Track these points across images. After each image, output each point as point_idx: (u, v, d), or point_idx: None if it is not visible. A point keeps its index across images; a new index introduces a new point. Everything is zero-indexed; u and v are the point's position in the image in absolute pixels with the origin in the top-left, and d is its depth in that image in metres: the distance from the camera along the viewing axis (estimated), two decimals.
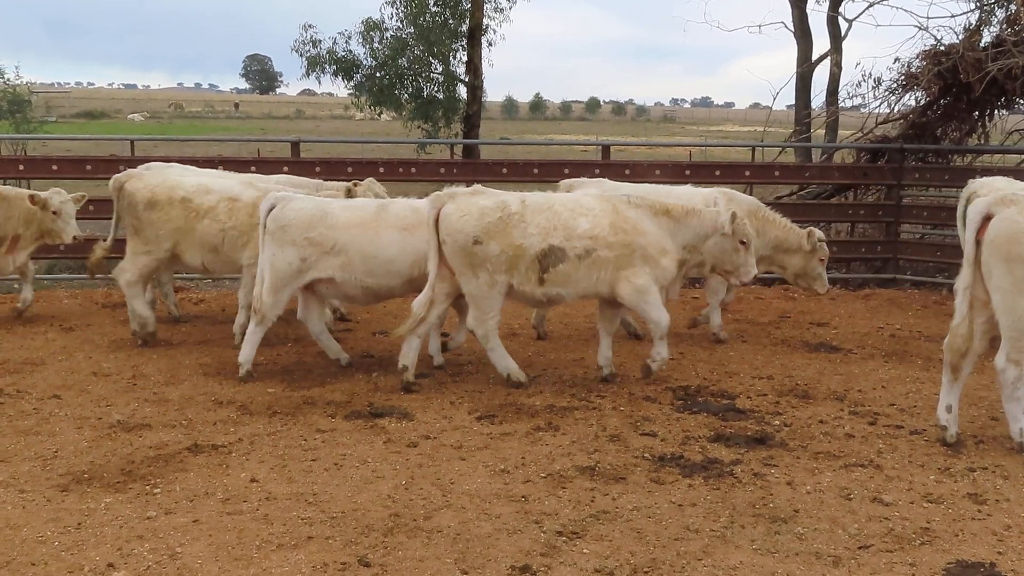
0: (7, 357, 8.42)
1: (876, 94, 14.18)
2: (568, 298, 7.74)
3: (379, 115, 23.90)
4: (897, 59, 13.64)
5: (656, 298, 7.70)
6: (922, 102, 13.33)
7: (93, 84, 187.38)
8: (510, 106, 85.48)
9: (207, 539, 4.94)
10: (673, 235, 7.77)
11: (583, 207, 7.67)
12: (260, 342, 7.99)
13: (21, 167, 12.72)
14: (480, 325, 7.67)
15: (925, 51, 12.96)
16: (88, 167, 12.12)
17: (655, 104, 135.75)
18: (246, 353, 7.92)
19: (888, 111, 14.05)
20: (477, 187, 7.79)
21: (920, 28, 13.66)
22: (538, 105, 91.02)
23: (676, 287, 8.52)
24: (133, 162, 11.93)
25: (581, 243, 7.50)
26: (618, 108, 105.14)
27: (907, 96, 13.95)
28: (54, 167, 12.07)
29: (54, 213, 9.50)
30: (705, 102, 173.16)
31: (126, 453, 6.17)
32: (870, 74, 14.41)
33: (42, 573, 4.57)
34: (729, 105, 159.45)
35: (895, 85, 13.76)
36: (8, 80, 19.33)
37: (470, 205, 7.45)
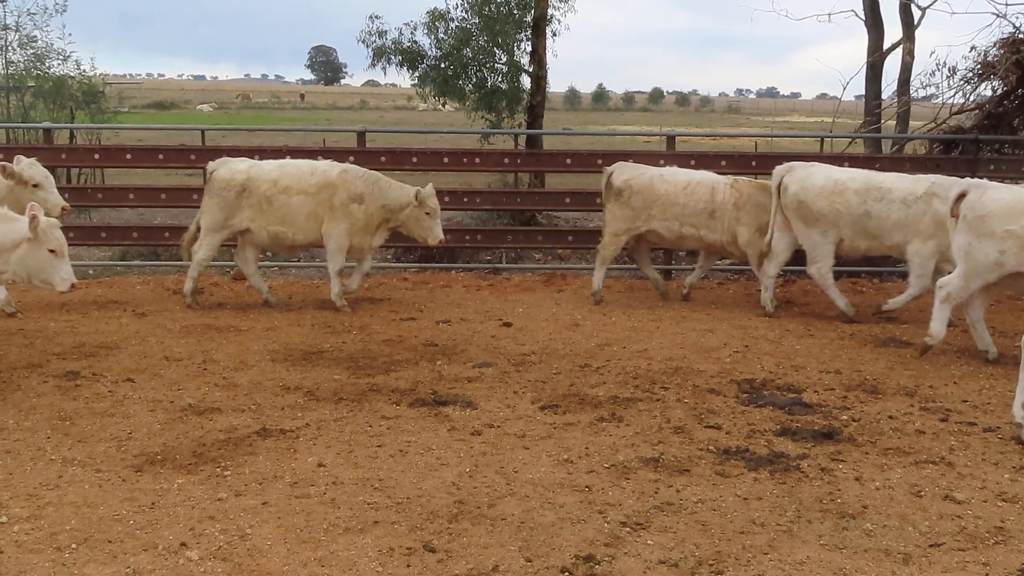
0: (83, 341, 8.67)
1: (951, 83, 13.82)
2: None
3: (443, 105, 23.99)
4: (973, 47, 13.27)
5: None
6: (999, 92, 12.96)
7: (163, 75, 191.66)
8: (572, 96, 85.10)
9: (276, 521, 5.03)
10: None
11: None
12: None
13: (96, 156, 13.08)
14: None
15: (1003, 39, 12.59)
16: (160, 156, 12.40)
17: (719, 94, 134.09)
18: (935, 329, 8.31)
19: (963, 101, 13.69)
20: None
21: (998, 15, 13.25)
22: (601, 95, 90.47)
23: None
24: (203, 152, 12.21)
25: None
26: (682, 99, 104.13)
27: (983, 86, 13.59)
28: (128, 156, 12.37)
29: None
30: (771, 92, 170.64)
31: (197, 436, 6.32)
32: (944, 63, 14.06)
33: (118, 550, 4.70)
34: (795, 95, 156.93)
35: (971, 74, 13.41)
36: (84, 72, 19.77)
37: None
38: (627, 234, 10.67)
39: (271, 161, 10.36)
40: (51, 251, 7.10)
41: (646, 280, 11.44)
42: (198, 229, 10.18)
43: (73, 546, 4.72)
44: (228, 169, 10.03)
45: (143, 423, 6.56)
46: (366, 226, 10.05)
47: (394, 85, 72.62)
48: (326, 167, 10.09)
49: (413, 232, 10.28)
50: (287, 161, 10.41)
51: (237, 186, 9.89)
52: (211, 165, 10.19)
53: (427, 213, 10.05)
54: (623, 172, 10.74)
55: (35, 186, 9.22)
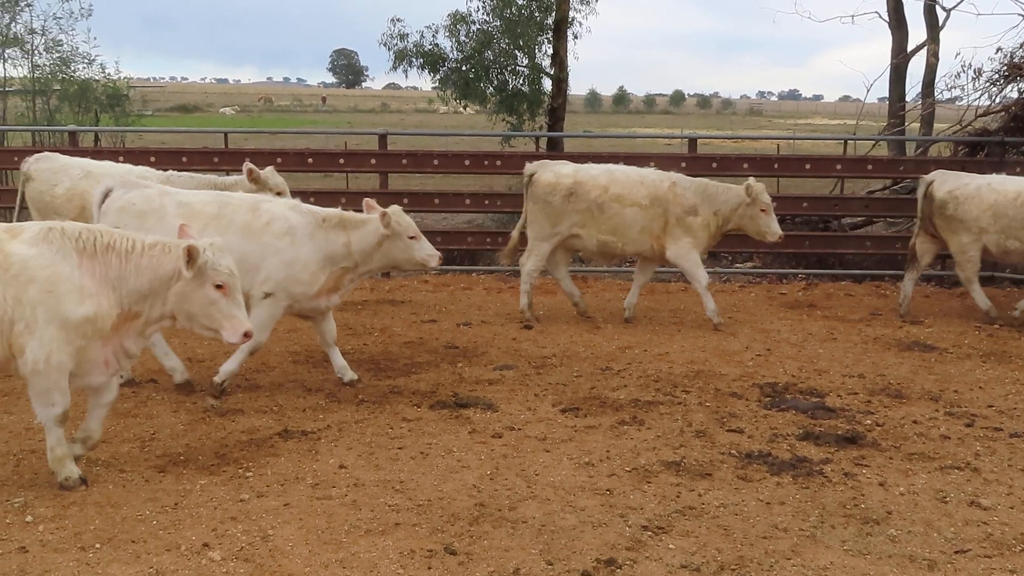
0: None
1: (976, 85, 13.71)
2: None
3: (464, 108, 24.01)
4: (999, 49, 13.19)
5: None
6: None
7: (186, 79, 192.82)
8: (593, 99, 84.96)
9: (297, 523, 5.05)
10: None
11: None
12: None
13: (121, 158, 13.13)
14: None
15: None
16: (184, 159, 12.47)
17: (741, 97, 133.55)
18: None
19: (989, 103, 13.58)
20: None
21: None
22: (622, 98, 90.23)
23: None
24: (226, 154, 12.29)
25: None
26: (703, 101, 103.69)
27: (1009, 88, 13.48)
28: (152, 159, 12.43)
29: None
30: (793, 95, 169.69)
31: (220, 437, 6.35)
32: (970, 64, 13.95)
33: (141, 550, 4.73)
34: (818, 98, 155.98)
35: (996, 76, 13.30)
36: (109, 75, 19.93)
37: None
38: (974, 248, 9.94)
39: (594, 165, 9.94)
40: (411, 237, 7.33)
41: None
42: (520, 236, 9.94)
43: (97, 546, 4.76)
44: (552, 172, 9.65)
45: (166, 424, 6.60)
46: (708, 235, 9.67)
47: (415, 88, 72.87)
48: (655, 178, 9.66)
49: (749, 231, 9.82)
50: (613, 167, 9.92)
51: (564, 190, 9.50)
52: (529, 168, 9.82)
53: (762, 210, 9.57)
54: (945, 182, 10.15)
55: (278, 193, 9.23)
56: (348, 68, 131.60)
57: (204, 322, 5.50)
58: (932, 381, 7.91)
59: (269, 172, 9.35)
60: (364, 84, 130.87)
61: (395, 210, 7.29)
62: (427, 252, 7.42)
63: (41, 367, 5.15)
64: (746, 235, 10.01)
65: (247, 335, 5.53)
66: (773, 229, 9.61)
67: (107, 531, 4.92)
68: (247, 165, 9.24)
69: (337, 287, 7.37)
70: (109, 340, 5.37)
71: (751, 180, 9.54)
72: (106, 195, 7.23)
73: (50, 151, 12.14)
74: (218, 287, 5.41)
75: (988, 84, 13.50)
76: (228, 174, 12.82)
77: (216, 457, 5.97)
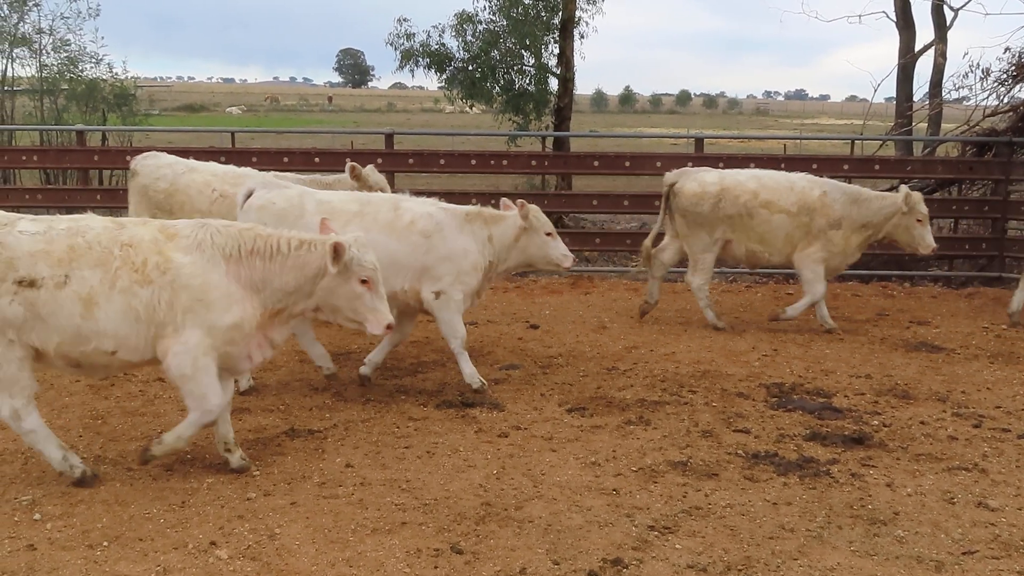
0: None
1: (984, 85, 13.67)
2: None
3: (471, 108, 24.02)
4: (1007, 49, 13.13)
5: None
6: None
7: (193, 78, 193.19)
8: (599, 99, 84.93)
9: (304, 521, 5.05)
10: None
11: None
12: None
13: (128, 158, 13.15)
14: None
15: None
16: (191, 158, 12.44)
17: (747, 96, 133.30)
18: None
19: (997, 103, 13.54)
20: None
21: None
22: (628, 98, 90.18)
23: None
24: (233, 153, 12.30)
25: None
26: (709, 101, 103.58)
27: (1017, 88, 13.43)
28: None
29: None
30: (799, 94, 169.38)
31: None
32: (978, 64, 13.91)
33: (149, 548, 4.74)
34: (824, 98, 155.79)
35: (1005, 76, 13.26)
36: (116, 75, 19.97)
37: None
38: None
39: (740, 171, 9.73)
40: (547, 234, 7.49)
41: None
42: (657, 236, 9.78)
43: (105, 543, 4.77)
44: (696, 181, 9.34)
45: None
46: (844, 251, 9.33)
47: (421, 88, 72.89)
48: (805, 185, 9.30)
49: (901, 241, 9.42)
50: (760, 172, 9.69)
51: (711, 198, 9.23)
52: (670, 176, 9.52)
53: (918, 220, 9.12)
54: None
55: (380, 190, 9.20)
56: (354, 68, 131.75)
57: (349, 315, 5.73)
58: (939, 382, 7.89)
59: (370, 170, 9.35)
60: (370, 84, 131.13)
61: (533, 207, 7.43)
62: (562, 252, 7.55)
63: (188, 371, 5.33)
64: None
65: (389, 327, 5.75)
66: (927, 241, 9.17)
67: (114, 529, 4.93)
68: (349, 163, 9.26)
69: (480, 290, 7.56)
70: (253, 336, 5.57)
71: (909, 192, 9.15)
72: (248, 195, 7.38)
73: (57, 151, 12.18)
74: (363, 282, 5.62)
75: (996, 84, 13.47)
76: None
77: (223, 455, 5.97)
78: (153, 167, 9.39)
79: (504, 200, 7.75)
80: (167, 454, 5.66)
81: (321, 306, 5.70)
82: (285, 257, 5.54)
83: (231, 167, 9.54)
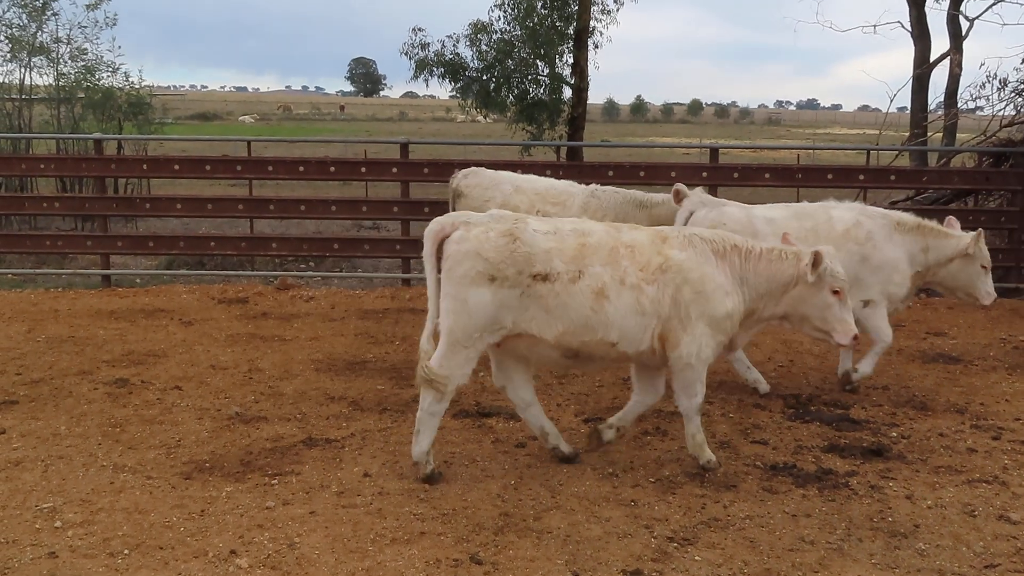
0: (132, 349, 8.80)
1: (1001, 96, 13.63)
2: None
3: (485, 117, 24.09)
4: None
5: None
6: None
7: (206, 87, 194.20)
8: (611, 108, 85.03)
9: (323, 531, 5.06)
10: None
11: None
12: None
13: (144, 167, 13.26)
14: None
15: None
16: (207, 167, 12.54)
17: (759, 106, 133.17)
18: None
19: (1014, 113, 13.48)
20: None
21: None
22: (639, 107, 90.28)
23: None
24: (249, 162, 12.36)
25: None
26: (721, 110, 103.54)
27: None
28: (176, 167, 12.52)
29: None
30: (811, 104, 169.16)
31: (244, 444, 6.37)
32: (995, 75, 13.87)
33: (169, 557, 4.75)
34: (836, 107, 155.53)
35: (1022, 86, 13.19)
36: (132, 83, 20.08)
37: None
38: None
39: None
40: (983, 267, 7.74)
41: None
42: None
43: (126, 552, 4.78)
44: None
45: (191, 431, 6.63)
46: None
47: (432, 97, 73.41)
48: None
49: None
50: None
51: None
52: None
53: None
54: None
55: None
56: (366, 77, 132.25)
57: (817, 324, 5.94)
58: (957, 394, 7.85)
59: (697, 192, 8.16)
60: (382, 93, 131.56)
61: (982, 240, 7.67)
62: (987, 289, 7.74)
63: (693, 360, 5.71)
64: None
65: (856, 339, 5.95)
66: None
67: (135, 537, 4.95)
68: (677, 185, 8.22)
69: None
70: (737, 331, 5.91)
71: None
72: (689, 216, 7.59)
73: (75, 159, 12.18)
74: (835, 292, 5.84)
75: (1013, 94, 13.42)
76: (250, 183, 12.95)
77: (241, 464, 5.99)
78: (478, 188, 9.36)
79: (950, 218, 7.91)
80: (699, 455, 5.99)
81: (789, 314, 5.97)
82: (758, 259, 5.86)
83: (551, 182, 9.50)
